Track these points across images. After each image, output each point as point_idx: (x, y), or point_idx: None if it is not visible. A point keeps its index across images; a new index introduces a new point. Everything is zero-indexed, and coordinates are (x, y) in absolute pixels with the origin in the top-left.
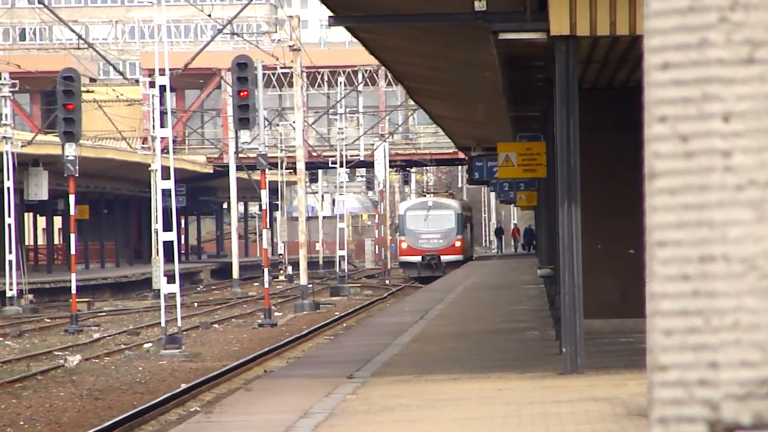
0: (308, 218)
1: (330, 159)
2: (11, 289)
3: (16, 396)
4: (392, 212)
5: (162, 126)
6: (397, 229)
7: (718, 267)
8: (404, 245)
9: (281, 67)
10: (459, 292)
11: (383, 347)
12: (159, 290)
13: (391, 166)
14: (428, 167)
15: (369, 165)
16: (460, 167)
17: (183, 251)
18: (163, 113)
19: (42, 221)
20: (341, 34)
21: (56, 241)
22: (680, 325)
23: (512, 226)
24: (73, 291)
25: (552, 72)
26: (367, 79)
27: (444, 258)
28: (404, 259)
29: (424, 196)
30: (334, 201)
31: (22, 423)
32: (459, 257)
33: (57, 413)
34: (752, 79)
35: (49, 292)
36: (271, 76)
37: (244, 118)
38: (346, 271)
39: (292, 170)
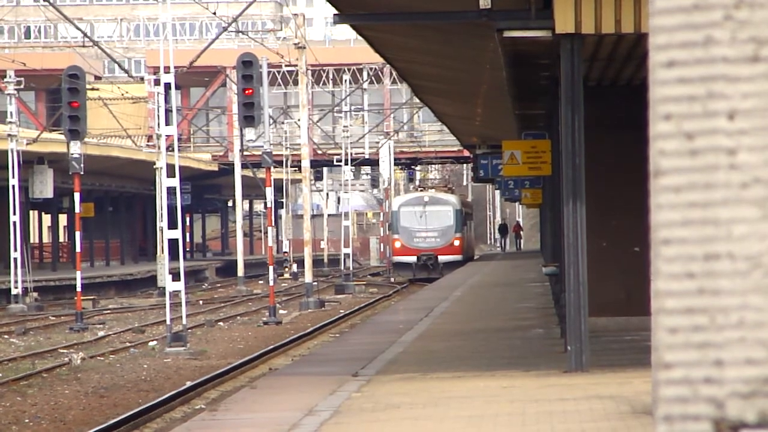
0: (313, 216)
1: (335, 157)
2: (16, 287)
3: (21, 394)
4: None
5: (167, 124)
6: (390, 227)
7: (723, 265)
8: (398, 244)
9: (286, 65)
10: (464, 290)
11: (388, 345)
12: (164, 288)
13: (396, 164)
14: (433, 165)
15: (374, 163)
16: (465, 165)
17: (188, 249)
18: (168, 111)
19: (47, 219)
20: (346, 32)
21: (61, 239)
22: (685, 323)
23: (515, 223)
24: (78, 289)
25: (557, 70)
26: (372, 77)
27: (441, 258)
28: (398, 260)
29: (423, 190)
30: (339, 199)
31: (27, 421)
32: (458, 257)
33: (62, 411)
34: (757, 77)
35: (53, 289)
36: (276, 74)
37: (249, 116)
38: (351, 268)
39: (297, 168)
